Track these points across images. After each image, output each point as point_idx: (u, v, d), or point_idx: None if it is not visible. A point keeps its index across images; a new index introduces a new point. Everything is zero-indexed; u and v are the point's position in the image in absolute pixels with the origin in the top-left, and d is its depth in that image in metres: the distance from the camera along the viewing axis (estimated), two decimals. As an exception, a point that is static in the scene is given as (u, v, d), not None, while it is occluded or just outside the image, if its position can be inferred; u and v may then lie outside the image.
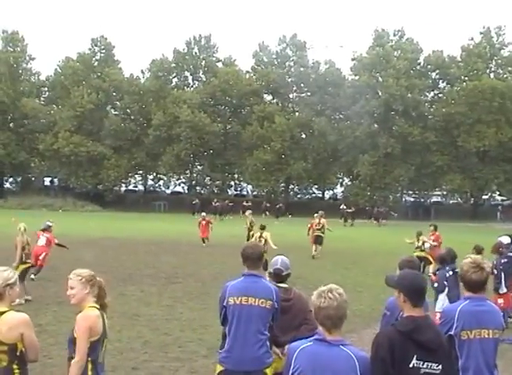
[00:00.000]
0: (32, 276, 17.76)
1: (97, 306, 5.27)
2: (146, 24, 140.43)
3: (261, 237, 19.82)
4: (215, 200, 64.54)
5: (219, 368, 6.09)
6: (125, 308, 14.45)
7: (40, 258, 18.09)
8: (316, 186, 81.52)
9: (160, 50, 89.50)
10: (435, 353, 4.34)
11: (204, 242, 31.01)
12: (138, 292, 16.80)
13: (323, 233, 26.91)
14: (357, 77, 76.52)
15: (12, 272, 5.15)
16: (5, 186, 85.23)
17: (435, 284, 11.10)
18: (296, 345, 4.28)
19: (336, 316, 4.19)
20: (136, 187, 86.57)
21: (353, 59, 77.30)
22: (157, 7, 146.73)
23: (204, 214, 33.29)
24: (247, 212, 30.83)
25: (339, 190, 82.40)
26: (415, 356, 4.25)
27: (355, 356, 4.14)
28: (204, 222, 31.83)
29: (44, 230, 18.87)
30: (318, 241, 26.45)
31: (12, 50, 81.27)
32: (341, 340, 4.17)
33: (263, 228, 20.69)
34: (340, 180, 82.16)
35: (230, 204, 65.03)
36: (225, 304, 6.06)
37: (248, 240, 24.70)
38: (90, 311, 5.13)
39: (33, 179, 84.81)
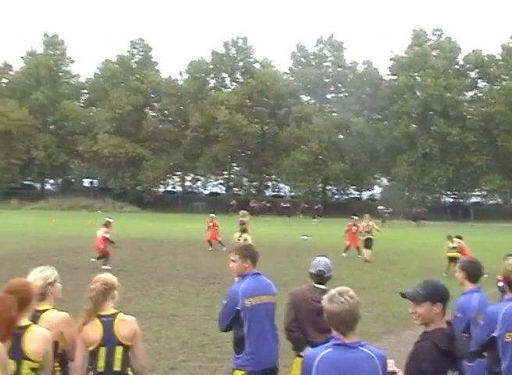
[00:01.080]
0: (104, 267, 20.50)
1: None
2: (184, 26, 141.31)
3: (240, 237, 19.59)
4: (253, 201, 64.37)
5: (239, 373, 6.10)
6: (163, 309, 14.55)
7: (101, 247, 21.89)
8: (354, 187, 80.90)
9: (198, 52, 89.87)
10: (460, 362, 4.33)
11: (211, 245, 29.44)
12: (176, 292, 16.92)
13: (372, 235, 26.59)
14: (395, 77, 75.96)
15: (51, 270, 5.21)
16: (46, 187, 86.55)
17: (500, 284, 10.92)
18: (314, 353, 4.23)
19: (350, 319, 4.17)
20: (175, 188, 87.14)
21: (391, 59, 76.85)
22: (194, 9, 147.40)
23: (212, 215, 31.26)
24: (241, 212, 29.44)
25: (377, 190, 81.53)
26: (450, 371, 4.22)
27: (375, 355, 4.18)
28: (211, 223, 30.24)
29: (104, 225, 22.73)
30: (368, 244, 26.12)
31: (52, 53, 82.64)
32: (358, 341, 4.20)
33: (244, 231, 20.39)
34: (378, 181, 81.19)
35: (268, 205, 64.78)
36: (239, 307, 6.08)
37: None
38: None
39: (72, 180, 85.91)
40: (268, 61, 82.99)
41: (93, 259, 21.55)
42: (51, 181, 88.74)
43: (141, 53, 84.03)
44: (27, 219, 53.30)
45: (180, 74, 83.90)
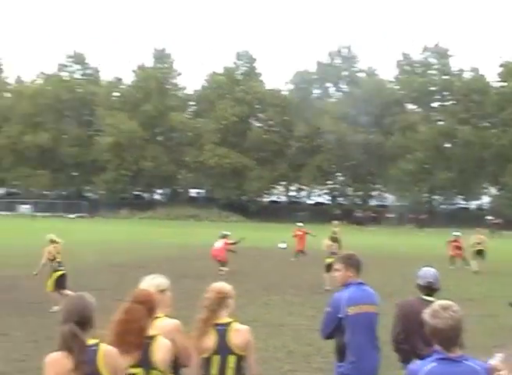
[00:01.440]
0: (222, 272, 22.45)
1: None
2: (288, 37, 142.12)
3: (331, 246, 19.45)
4: (357, 211, 63.86)
5: None
6: (269, 318, 14.67)
7: (221, 255, 23.88)
8: (461, 196, 78.92)
9: (302, 62, 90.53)
10: None
11: (297, 256, 28.88)
12: (281, 302, 17.04)
13: (484, 246, 25.99)
14: (504, 84, 73.46)
15: (162, 278, 5.36)
16: (154, 197, 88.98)
17: None
18: (418, 368, 4.17)
19: (454, 335, 4.08)
20: (279, 198, 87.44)
21: (500, 65, 74.43)
22: (299, 20, 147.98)
23: (300, 224, 30.98)
24: (333, 222, 29.89)
25: (485, 200, 79.16)
26: None
27: (480, 368, 4.09)
28: (300, 232, 29.61)
29: (223, 237, 24.85)
30: (480, 255, 25.54)
31: (160, 66, 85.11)
32: (462, 355, 4.12)
33: (334, 240, 20.23)
34: (486, 190, 78.85)
35: (372, 215, 64.08)
36: (341, 315, 6.12)
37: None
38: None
39: (180, 190, 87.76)
40: (373, 70, 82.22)
41: (222, 272, 22.70)
42: (160, 191, 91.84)
43: (246, 64, 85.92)
44: (137, 228, 55.01)
45: (286, 84, 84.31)
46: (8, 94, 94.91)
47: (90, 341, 4.21)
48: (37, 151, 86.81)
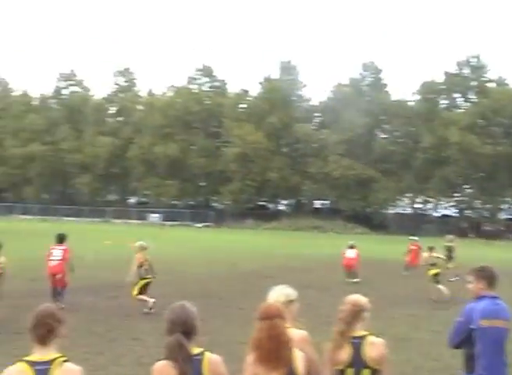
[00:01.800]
0: (350, 280, 23.76)
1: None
2: (414, 47, 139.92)
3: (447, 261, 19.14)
4: (486, 224, 61.91)
5: None
6: (395, 332, 14.53)
7: (354, 264, 24.44)
8: None
9: (429, 72, 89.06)
10: None
11: (407, 270, 28.15)
12: (407, 316, 16.74)
13: None
14: None
15: (291, 289, 5.46)
16: (279, 208, 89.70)
17: None
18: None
19: None
20: (405, 210, 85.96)
21: None
22: (425, 30, 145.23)
23: (415, 238, 30.18)
24: (447, 237, 29.08)
25: None
26: None
27: None
28: (414, 247, 28.87)
29: (351, 248, 25.18)
30: None
31: (286, 78, 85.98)
32: None
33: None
34: None
35: (502, 228, 61.90)
36: (473, 326, 6.12)
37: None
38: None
39: (304, 201, 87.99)
40: (503, 79, 79.71)
41: (350, 280, 23.73)
42: (284, 202, 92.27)
43: (372, 75, 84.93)
44: (261, 238, 55.75)
45: (413, 95, 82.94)
46: (141, 107, 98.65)
47: (195, 350, 4.37)
48: (166, 162, 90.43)
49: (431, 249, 22.23)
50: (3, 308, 15.38)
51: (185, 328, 4.36)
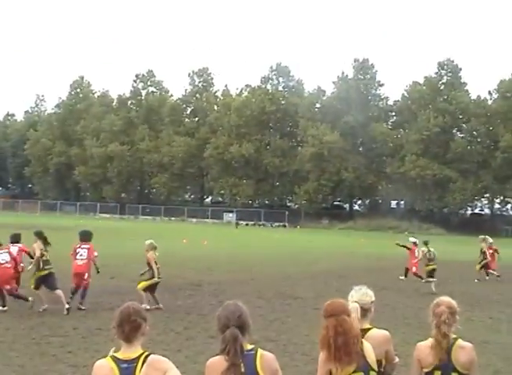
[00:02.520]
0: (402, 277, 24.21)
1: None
2: (493, 44, 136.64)
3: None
4: None
5: None
6: (473, 335, 14.19)
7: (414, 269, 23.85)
8: None
9: (509, 70, 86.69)
10: None
11: (487, 275, 26.61)
12: (486, 318, 16.36)
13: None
14: None
15: (369, 290, 5.44)
16: (354, 208, 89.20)
17: None
18: None
19: None
20: (483, 210, 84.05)
21: None
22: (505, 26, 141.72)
23: (490, 240, 27.63)
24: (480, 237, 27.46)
25: None
26: None
27: None
28: (491, 250, 27.00)
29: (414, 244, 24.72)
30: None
31: (362, 77, 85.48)
32: None
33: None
34: None
35: None
36: None
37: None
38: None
39: (380, 201, 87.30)
40: None
41: (427, 280, 22.51)
42: (359, 202, 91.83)
43: (449, 74, 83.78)
44: (336, 238, 55.58)
45: (490, 94, 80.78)
46: (217, 107, 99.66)
47: (248, 346, 4.44)
48: (242, 162, 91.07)
49: (426, 244, 22.90)
50: (86, 304, 15.81)
51: (239, 324, 4.40)
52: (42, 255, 15.37)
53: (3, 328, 13.13)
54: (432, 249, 22.67)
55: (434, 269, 21.96)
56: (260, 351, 4.49)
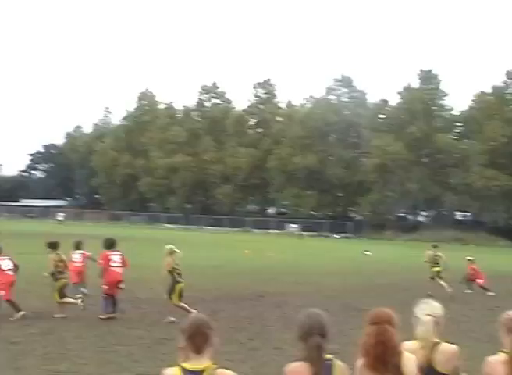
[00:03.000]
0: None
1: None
2: None
3: None
4: None
5: None
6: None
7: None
8: None
9: None
10: None
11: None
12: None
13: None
14: None
15: (438, 303, 5.40)
16: (419, 219, 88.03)
17: None
18: None
19: None
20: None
21: None
22: None
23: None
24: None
25: None
26: None
27: None
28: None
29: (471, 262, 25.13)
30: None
31: (427, 87, 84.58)
32: None
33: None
34: None
35: None
36: None
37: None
38: None
39: (445, 213, 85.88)
40: None
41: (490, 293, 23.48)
42: (424, 213, 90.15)
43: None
44: (401, 250, 55.04)
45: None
46: (280, 118, 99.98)
47: (327, 356, 4.52)
48: (305, 173, 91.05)
49: (435, 247, 24.24)
50: (153, 313, 16.12)
51: (322, 332, 4.48)
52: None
53: (72, 336, 13.63)
54: (439, 253, 24.07)
55: (439, 271, 23.47)
56: (337, 362, 4.55)
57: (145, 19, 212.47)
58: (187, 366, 4.27)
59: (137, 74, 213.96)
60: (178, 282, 15.92)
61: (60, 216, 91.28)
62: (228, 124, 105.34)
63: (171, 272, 15.89)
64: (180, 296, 15.94)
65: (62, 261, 16.28)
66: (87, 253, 19.82)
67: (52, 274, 16.05)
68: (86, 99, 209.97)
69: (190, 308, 15.28)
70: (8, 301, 15.64)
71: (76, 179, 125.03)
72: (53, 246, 16.46)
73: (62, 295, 16.05)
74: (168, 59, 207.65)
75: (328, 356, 4.52)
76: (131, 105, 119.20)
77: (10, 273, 15.81)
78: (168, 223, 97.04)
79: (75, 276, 18.41)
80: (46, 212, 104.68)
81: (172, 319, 15.07)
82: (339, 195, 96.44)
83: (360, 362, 4.71)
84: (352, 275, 30.46)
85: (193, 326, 4.35)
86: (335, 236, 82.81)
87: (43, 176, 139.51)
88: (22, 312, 15.39)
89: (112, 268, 16.13)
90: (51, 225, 74.29)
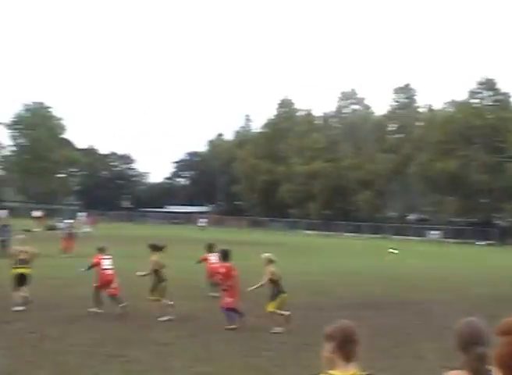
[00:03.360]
0: None
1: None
2: None
3: None
4: None
5: None
6: None
7: None
8: None
9: None
10: None
11: None
12: None
13: None
14: None
15: None
16: None
17: None
18: None
19: None
20: None
21: None
22: None
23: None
24: None
25: None
26: None
27: None
28: None
29: None
30: None
31: None
32: None
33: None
34: None
35: None
36: None
37: None
38: None
39: None
40: None
41: None
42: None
43: None
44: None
45: None
46: (421, 123, 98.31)
47: (489, 367, 4.28)
48: (446, 178, 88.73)
49: None
50: (295, 318, 16.43)
51: (483, 342, 4.34)
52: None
53: (217, 339, 14.03)
54: None
55: None
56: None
57: (284, 27, 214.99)
58: (336, 373, 4.24)
59: (277, 82, 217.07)
60: (281, 292, 15.47)
61: (202, 222, 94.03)
62: (367, 130, 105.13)
63: (273, 281, 15.48)
64: (281, 305, 15.40)
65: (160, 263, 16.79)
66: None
67: (149, 274, 16.58)
68: (227, 107, 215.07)
69: (285, 315, 15.17)
70: (113, 295, 17.03)
71: (218, 185, 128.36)
72: (156, 248, 17.03)
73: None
74: (308, 66, 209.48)
75: (490, 367, 4.24)
76: (271, 112, 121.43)
77: (109, 271, 17.24)
78: (308, 230, 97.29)
79: (213, 274, 19.28)
80: (190, 218, 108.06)
81: (278, 329, 14.95)
82: (482, 201, 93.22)
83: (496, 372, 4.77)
84: (501, 284, 28.78)
85: (344, 334, 4.31)
86: (478, 243, 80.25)
87: (187, 183, 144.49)
88: (124, 303, 16.66)
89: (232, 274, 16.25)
90: (193, 231, 76.88)
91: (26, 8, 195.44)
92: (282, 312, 15.27)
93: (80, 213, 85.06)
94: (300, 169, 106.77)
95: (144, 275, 16.74)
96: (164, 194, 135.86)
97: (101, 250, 17.97)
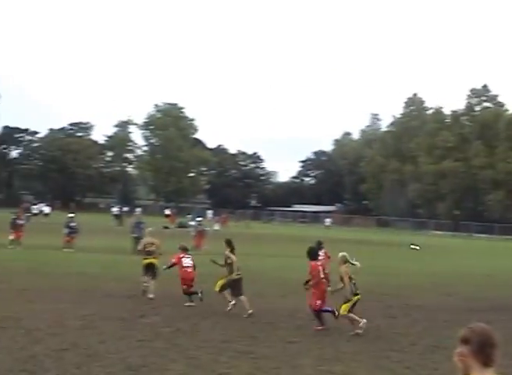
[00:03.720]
0: None
1: None
2: None
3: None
4: None
5: None
6: None
7: None
8: None
9: None
10: None
11: None
12: None
13: None
14: None
15: None
16: None
17: None
18: None
19: None
20: None
21: None
22: None
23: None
24: None
25: None
26: None
27: None
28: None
29: None
30: None
31: None
32: None
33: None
34: None
35: None
36: None
37: None
38: None
39: None
40: None
41: None
42: None
43: None
44: None
45: None
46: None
47: None
48: None
49: None
50: (424, 320, 16.15)
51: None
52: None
53: (345, 339, 13.94)
54: None
55: None
56: None
57: (412, 24, 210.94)
58: None
59: (406, 79, 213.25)
60: (355, 293, 14.87)
61: (327, 221, 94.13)
62: (500, 128, 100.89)
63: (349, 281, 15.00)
64: (353, 307, 14.81)
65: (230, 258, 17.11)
66: (328, 254, 20.96)
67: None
68: (354, 106, 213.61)
69: (358, 319, 14.65)
70: (188, 292, 17.75)
71: (345, 185, 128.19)
72: (229, 243, 17.36)
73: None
74: (437, 63, 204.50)
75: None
76: (398, 110, 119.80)
77: (189, 269, 18.00)
78: (436, 230, 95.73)
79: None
80: (317, 218, 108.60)
81: (358, 331, 14.43)
82: None
83: None
84: None
85: (483, 337, 4.07)
86: None
87: (313, 182, 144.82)
88: (198, 293, 17.41)
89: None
90: (318, 230, 76.78)
91: (161, 12, 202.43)
92: (357, 319, 14.67)
93: (208, 211, 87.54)
94: (428, 168, 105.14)
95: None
96: (290, 193, 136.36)
97: (183, 248, 18.68)
